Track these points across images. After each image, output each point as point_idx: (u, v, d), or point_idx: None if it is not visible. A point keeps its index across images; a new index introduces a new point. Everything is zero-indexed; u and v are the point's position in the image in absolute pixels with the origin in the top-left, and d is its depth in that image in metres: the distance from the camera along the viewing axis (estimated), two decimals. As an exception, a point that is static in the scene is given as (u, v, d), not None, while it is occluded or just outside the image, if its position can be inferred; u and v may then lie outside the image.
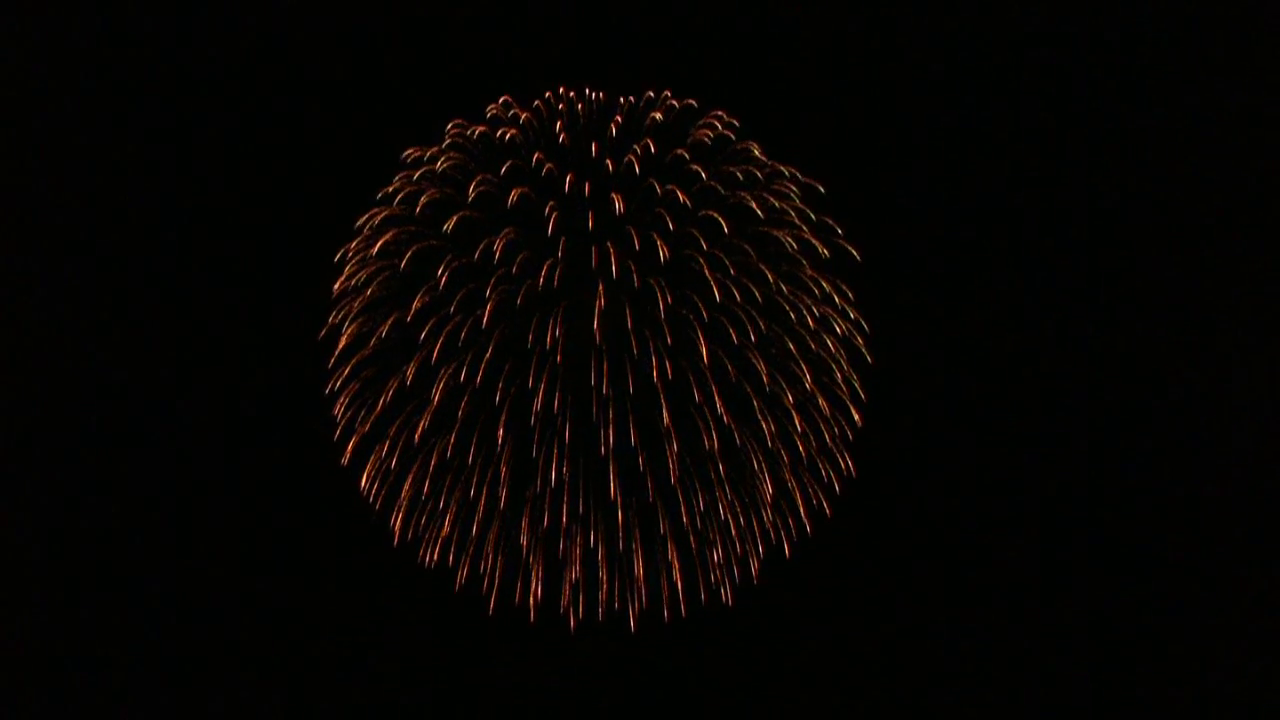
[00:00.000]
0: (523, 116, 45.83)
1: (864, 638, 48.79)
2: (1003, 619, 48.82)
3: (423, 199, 45.10)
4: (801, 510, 45.07)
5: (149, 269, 51.04)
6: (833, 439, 45.06)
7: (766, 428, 44.23)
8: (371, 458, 45.07)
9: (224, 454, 49.97)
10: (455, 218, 44.35)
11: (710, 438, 43.43)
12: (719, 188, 44.93)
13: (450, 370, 43.80)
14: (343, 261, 46.28)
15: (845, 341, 45.44)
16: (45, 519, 49.06)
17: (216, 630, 48.78)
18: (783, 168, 46.09)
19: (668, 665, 46.97)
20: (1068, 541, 49.44)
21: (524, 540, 43.96)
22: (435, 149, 46.02)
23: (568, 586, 44.21)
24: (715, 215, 44.30)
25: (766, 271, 44.61)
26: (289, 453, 49.04)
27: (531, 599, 44.34)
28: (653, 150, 44.65)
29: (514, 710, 47.93)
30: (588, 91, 46.61)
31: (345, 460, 45.36)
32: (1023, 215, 51.43)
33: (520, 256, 43.71)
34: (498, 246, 43.60)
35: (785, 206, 45.68)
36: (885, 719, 48.02)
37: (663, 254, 43.24)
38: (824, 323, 45.30)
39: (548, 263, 43.43)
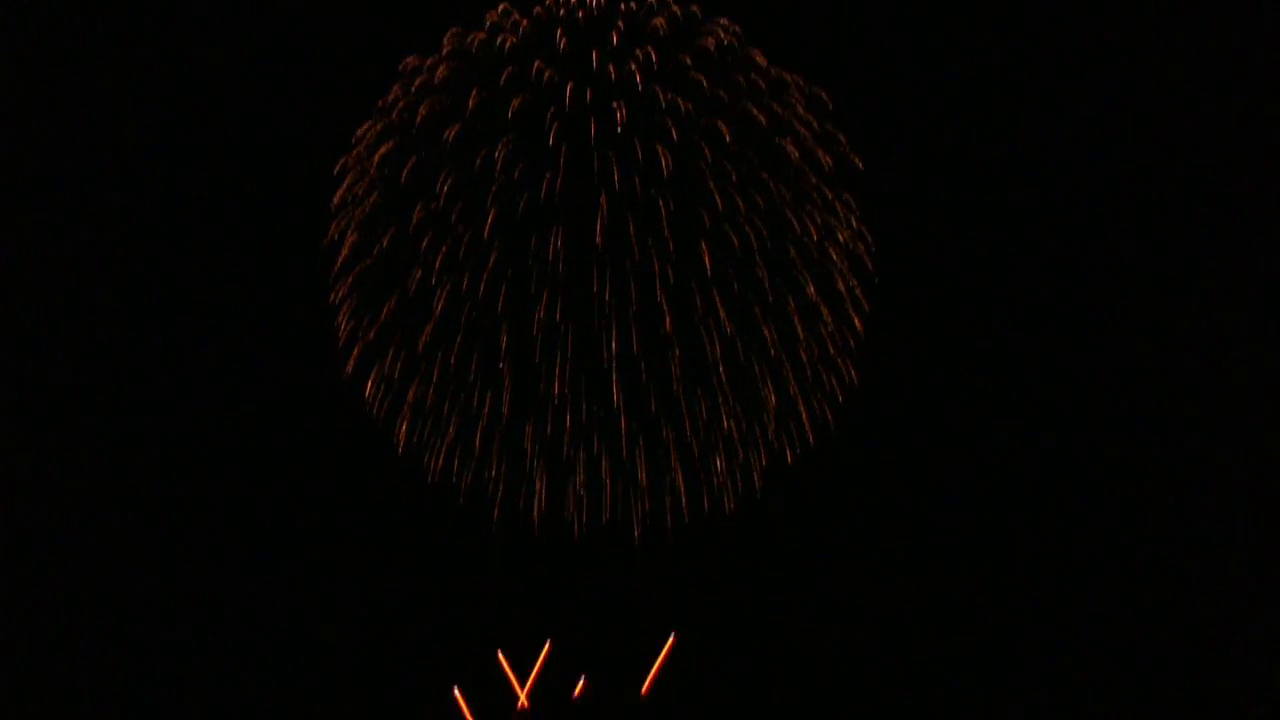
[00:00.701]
0: (522, 24, 45.27)
1: (866, 544, 49.27)
2: (1003, 526, 49.27)
3: (421, 109, 44.66)
4: (804, 418, 45.33)
5: (147, 182, 50.93)
6: (835, 347, 45.18)
7: (769, 336, 44.32)
8: (375, 368, 45.27)
9: (225, 365, 50.15)
10: (455, 128, 43.98)
11: (713, 345, 43.54)
12: (723, 96, 44.51)
13: (452, 281, 43.77)
14: (342, 173, 46.09)
15: (848, 250, 45.36)
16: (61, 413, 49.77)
17: (221, 539, 49.38)
18: (787, 76, 45.65)
19: (670, 572, 47.52)
20: (1068, 449, 49.73)
21: (528, 448, 44.27)
22: (434, 58, 45.52)
23: (571, 494, 44.63)
24: (719, 124, 43.94)
25: (770, 181, 44.37)
26: (292, 364, 49.18)
27: (536, 505, 44.80)
28: (655, 58, 44.15)
29: (518, 615, 48.64)
30: (589, -2, 46.03)
31: (349, 369, 45.55)
32: (1029, 124, 51.03)
33: (520, 166, 43.42)
34: (498, 156, 43.30)
35: (789, 116, 45.32)
36: (886, 623, 48.65)
37: (665, 164, 42.96)
38: (827, 232, 45.18)
39: (548, 173, 43.16)
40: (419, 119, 44.59)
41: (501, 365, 43.84)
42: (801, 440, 45.47)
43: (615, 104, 43.24)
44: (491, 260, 43.60)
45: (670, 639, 47.23)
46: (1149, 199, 50.74)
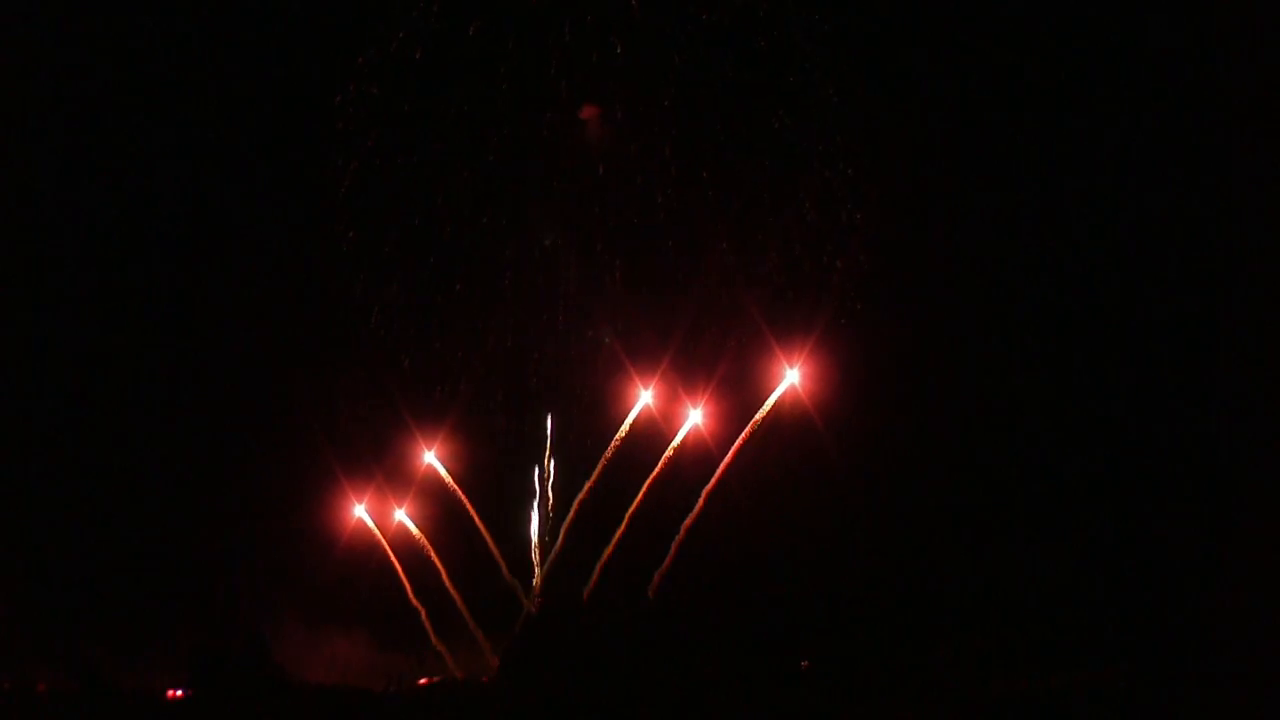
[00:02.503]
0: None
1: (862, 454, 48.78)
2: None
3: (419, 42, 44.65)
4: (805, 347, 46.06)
5: (154, 111, 51.03)
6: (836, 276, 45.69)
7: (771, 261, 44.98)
8: (379, 299, 45.99)
9: (235, 284, 50.91)
10: (455, 62, 44.06)
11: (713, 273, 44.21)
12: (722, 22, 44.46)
13: (454, 212, 44.30)
14: (345, 102, 46.12)
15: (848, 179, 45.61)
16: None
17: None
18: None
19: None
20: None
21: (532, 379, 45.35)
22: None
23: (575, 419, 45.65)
24: (719, 50, 44.00)
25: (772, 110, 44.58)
26: (299, 289, 49.72)
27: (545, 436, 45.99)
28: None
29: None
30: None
31: (355, 293, 46.24)
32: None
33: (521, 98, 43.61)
34: (498, 91, 43.52)
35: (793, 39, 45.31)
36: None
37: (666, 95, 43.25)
38: (828, 160, 45.40)
39: (549, 105, 43.42)
40: (418, 51, 44.49)
41: (506, 281, 44.43)
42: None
43: (613, 38, 43.18)
44: (493, 190, 44.03)
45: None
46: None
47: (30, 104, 50.27)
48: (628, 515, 47.20)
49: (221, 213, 51.21)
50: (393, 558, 49.67)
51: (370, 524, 49.84)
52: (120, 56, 50.67)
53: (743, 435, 45.95)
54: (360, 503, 49.74)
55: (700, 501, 46.62)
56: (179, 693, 49.52)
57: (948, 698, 43.52)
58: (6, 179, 50.36)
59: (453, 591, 49.16)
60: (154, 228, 51.74)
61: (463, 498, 48.79)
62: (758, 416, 45.96)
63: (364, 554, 50.08)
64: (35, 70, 50.13)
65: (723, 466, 46.17)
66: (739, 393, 46.25)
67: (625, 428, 46.60)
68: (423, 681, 48.95)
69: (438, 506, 49.51)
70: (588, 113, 43.33)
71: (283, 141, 49.57)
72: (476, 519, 48.81)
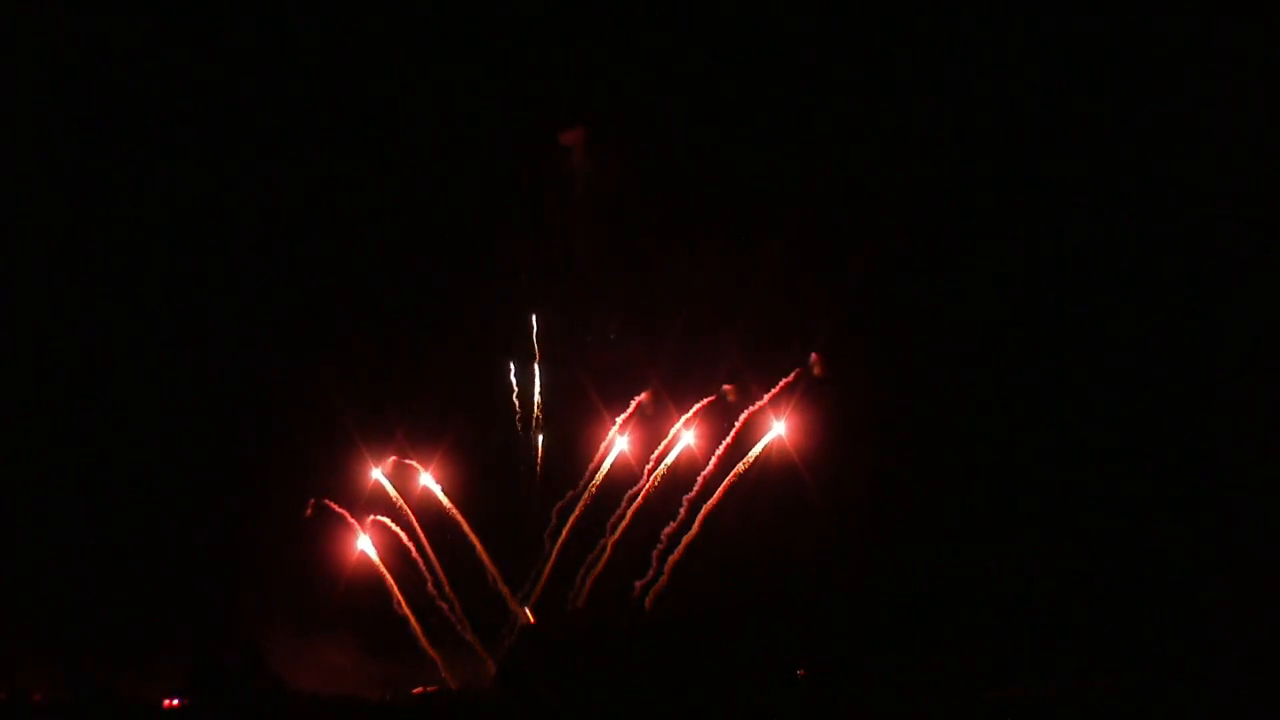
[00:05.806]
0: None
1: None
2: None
3: None
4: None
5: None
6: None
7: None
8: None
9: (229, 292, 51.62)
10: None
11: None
12: None
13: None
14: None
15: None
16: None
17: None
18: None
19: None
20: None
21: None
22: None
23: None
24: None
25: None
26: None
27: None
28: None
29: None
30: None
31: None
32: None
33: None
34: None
35: None
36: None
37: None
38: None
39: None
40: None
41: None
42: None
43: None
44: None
45: None
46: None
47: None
48: (622, 525, 47.63)
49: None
50: (381, 566, 49.87)
51: (360, 528, 50.16)
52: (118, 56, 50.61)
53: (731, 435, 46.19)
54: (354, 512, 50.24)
55: (684, 511, 47.15)
56: (175, 701, 49.96)
57: (943, 705, 43.91)
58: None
59: (446, 598, 49.34)
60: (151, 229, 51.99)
61: (453, 508, 48.93)
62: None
63: (356, 561, 50.27)
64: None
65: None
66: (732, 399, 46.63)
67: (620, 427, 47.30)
68: (418, 690, 49.39)
69: (425, 513, 50.10)
70: (570, 139, 42.69)
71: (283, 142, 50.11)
72: (466, 525, 49.05)
